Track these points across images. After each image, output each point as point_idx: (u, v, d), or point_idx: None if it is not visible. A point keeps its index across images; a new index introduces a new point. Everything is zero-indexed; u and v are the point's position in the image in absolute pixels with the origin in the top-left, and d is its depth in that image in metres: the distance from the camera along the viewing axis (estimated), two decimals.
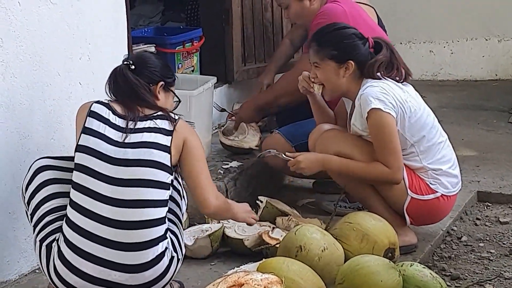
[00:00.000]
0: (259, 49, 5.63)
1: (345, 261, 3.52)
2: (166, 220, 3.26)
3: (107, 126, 3.27)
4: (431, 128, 3.92)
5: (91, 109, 3.31)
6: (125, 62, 3.37)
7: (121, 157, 3.22)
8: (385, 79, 3.86)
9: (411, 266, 3.39)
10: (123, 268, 3.18)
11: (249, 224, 3.66)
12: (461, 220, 4.51)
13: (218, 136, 4.86)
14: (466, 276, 3.88)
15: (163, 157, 3.24)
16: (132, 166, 3.21)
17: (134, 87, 3.32)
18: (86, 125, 3.27)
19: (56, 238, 3.23)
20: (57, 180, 3.33)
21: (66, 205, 3.25)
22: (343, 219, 3.80)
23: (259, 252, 3.83)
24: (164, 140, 3.26)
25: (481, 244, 4.21)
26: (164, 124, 3.30)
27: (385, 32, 4.78)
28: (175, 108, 3.49)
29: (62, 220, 3.24)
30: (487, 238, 4.29)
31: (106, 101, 3.35)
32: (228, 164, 4.64)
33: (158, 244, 3.20)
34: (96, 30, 4.02)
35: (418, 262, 3.65)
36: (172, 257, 3.26)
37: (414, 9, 7.61)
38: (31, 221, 3.32)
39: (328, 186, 4.71)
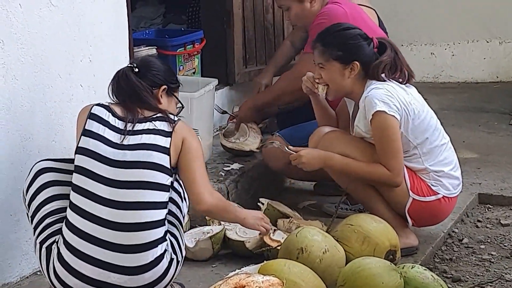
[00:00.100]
0: (260, 51, 5.63)
1: (346, 263, 3.52)
2: (166, 222, 3.26)
3: (106, 128, 3.27)
4: (434, 130, 3.93)
5: (92, 111, 3.32)
6: (129, 65, 3.38)
7: (120, 159, 3.22)
8: (389, 80, 3.87)
9: (412, 268, 3.39)
10: (122, 270, 3.18)
11: (263, 234, 3.65)
12: (462, 222, 4.51)
13: (219, 139, 4.86)
14: (467, 278, 3.88)
15: (162, 159, 3.24)
16: (131, 168, 3.22)
17: (136, 89, 3.33)
18: (86, 127, 3.28)
19: (56, 240, 3.24)
20: (57, 182, 3.34)
21: (66, 207, 3.25)
22: (344, 221, 3.80)
23: (260, 254, 3.83)
24: (163, 141, 3.26)
25: (482, 246, 4.21)
26: (163, 125, 3.30)
27: (386, 34, 4.77)
28: (178, 113, 3.49)
29: (62, 222, 3.24)
30: (488, 240, 4.29)
31: (107, 104, 3.36)
32: (229, 166, 4.64)
33: (157, 246, 3.20)
34: (97, 32, 4.02)
35: (419, 264, 3.65)
36: (172, 259, 3.26)
37: (415, 11, 7.61)
38: (32, 223, 3.32)
39: (329, 188, 4.71)
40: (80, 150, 3.26)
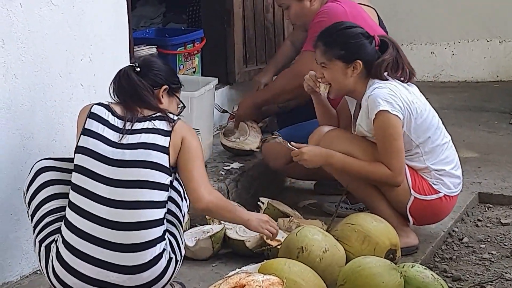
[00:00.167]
0: (260, 51, 5.63)
1: (346, 263, 3.52)
2: (165, 221, 3.26)
3: (105, 127, 3.28)
4: (436, 129, 3.93)
5: (91, 110, 3.32)
6: (131, 64, 3.39)
7: (118, 158, 3.23)
8: (392, 79, 3.86)
9: (412, 267, 3.39)
10: (120, 269, 3.18)
11: (268, 237, 3.61)
12: (462, 222, 4.51)
13: (219, 138, 4.86)
14: (467, 277, 3.88)
15: (161, 158, 3.24)
16: (129, 167, 3.22)
17: (137, 88, 3.33)
18: (85, 127, 3.29)
19: (55, 239, 3.24)
20: (58, 181, 3.35)
21: (66, 206, 3.25)
22: (345, 220, 3.80)
23: (260, 253, 3.83)
24: (162, 141, 3.26)
25: (483, 246, 4.21)
26: (162, 125, 3.30)
27: (386, 33, 4.77)
28: (179, 113, 3.49)
29: (62, 221, 3.25)
30: (489, 240, 4.29)
31: (107, 103, 3.36)
32: (229, 166, 4.64)
33: (155, 245, 3.20)
34: (98, 32, 4.02)
35: (420, 264, 3.65)
36: (170, 259, 3.26)
37: (415, 10, 7.60)
38: (32, 221, 3.33)
39: (329, 187, 4.71)
40: (79, 149, 3.27)
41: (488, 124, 6.19)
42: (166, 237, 3.26)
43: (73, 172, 3.26)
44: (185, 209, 3.43)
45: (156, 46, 5.05)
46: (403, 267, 3.39)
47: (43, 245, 3.25)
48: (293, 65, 4.71)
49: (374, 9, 5.07)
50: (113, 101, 3.39)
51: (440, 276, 3.53)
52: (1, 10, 3.49)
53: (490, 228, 4.45)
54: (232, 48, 5.43)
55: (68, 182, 3.28)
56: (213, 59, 5.48)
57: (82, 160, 3.25)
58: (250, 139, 4.79)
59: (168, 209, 3.30)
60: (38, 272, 3.72)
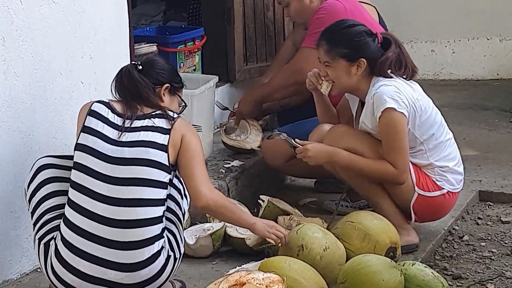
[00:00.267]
0: (260, 49, 5.63)
1: (346, 261, 3.52)
2: (163, 219, 3.26)
3: (105, 125, 3.28)
4: (439, 126, 3.93)
5: (91, 108, 3.32)
6: (133, 62, 3.40)
7: (118, 155, 3.22)
8: (395, 76, 3.86)
9: (412, 265, 3.39)
10: (118, 267, 3.18)
11: (276, 242, 3.56)
12: (462, 220, 4.51)
13: (220, 136, 4.86)
14: (468, 275, 3.88)
15: (160, 156, 3.24)
16: (128, 165, 3.22)
17: (138, 86, 3.33)
18: (85, 124, 3.29)
19: (54, 236, 3.25)
20: (58, 178, 3.35)
21: (65, 204, 3.26)
22: (345, 218, 3.80)
23: (260, 251, 3.83)
24: (161, 139, 3.26)
25: (483, 244, 4.22)
26: (161, 122, 3.30)
27: (387, 31, 4.77)
28: (181, 112, 3.49)
29: (61, 218, 3.25)
30: (489, 238, 4.29)
31: (107, 100, 3.36)
32: (229, 163, 4.64)
33: (154, 243, 3.20)
34: (98, 29, 4.02)
35: (420, 262, 3.66)
36: (169, 256, 3.26)
37: (415, 8, 7.60)
38: (32, 219, 3.33)
39: (329, 185, 4.71)
40: (78, 147, 3.27)
41: (488, 122, 6.19)
42: (164, 235, 3.25)
43: (72, 170, 3.26)
44: (185, 207, 3.43)
45: (156, 44, 5.05)
46: (403, 265, 3.39)
47: (42, 242, 3.26)
48: (292, 62, 4.70)
49: (374, 7, 5.07)
50: (114, 99, 3.39)
51: (440, 274, 3.53)
52: (1, 7, 3.49)
53: (491, 226, 4.45)
54: (233, 46, 5.43)
55: (68, 180, 3.28)
56: (214, 57, 5.48)
57: (81, 157, 3.25)
58: (251, 138, 4.79)
59: (168, 206, 3.30)
60: (38, 269, 3.72)
